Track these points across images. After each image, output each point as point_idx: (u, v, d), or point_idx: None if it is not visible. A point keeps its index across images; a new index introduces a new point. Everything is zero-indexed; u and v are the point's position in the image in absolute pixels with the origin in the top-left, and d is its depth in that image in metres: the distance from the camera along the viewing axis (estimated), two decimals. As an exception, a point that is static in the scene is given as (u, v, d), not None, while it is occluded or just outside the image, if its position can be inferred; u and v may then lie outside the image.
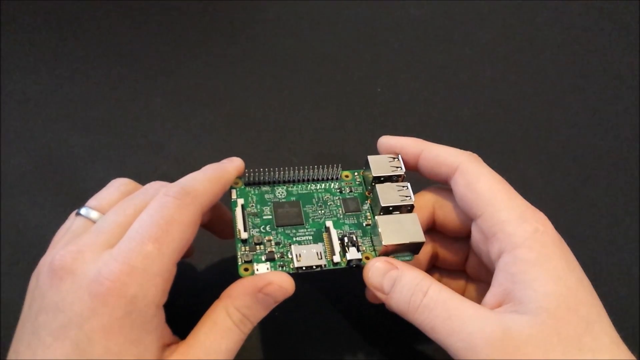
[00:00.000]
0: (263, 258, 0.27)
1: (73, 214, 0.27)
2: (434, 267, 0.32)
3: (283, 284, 0.25)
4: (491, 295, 0.25)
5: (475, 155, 0.29)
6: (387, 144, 0.30)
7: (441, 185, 0.30)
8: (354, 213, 0.29)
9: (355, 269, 0.27)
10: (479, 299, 0.26)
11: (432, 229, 0.31)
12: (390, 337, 0.33)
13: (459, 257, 0.31)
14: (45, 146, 0.40)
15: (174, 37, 0.48)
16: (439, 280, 0.32)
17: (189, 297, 0.33)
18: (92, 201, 0.27)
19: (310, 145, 0.42)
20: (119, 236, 0.23)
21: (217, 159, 0.30)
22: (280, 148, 0.41)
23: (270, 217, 0.29)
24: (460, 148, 0.29)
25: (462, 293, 0.31)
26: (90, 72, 0.45)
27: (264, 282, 0.25)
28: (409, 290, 0.25)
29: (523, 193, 0.27)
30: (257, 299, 0.25)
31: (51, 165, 0.39)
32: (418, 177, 0.30)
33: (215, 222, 0.30)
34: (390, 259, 0.27)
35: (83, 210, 0.26)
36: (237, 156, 0.30)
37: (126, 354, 0.22)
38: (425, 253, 0.31)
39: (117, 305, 0.21)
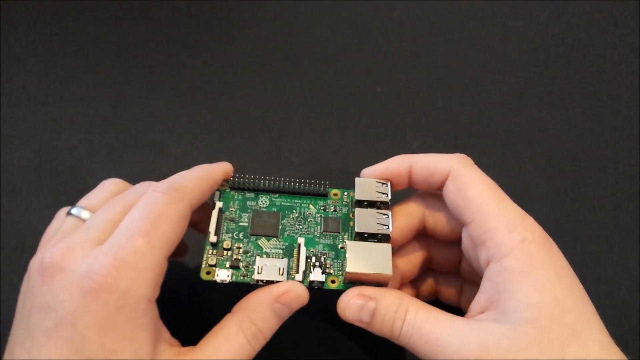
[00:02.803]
0: (227, 264, 0.27)
1: (62, 213, 0.27)
2: (428, 270, 0.32)
3: (300, 293, 0.26)
4: (477, 303, 0.25)
5: (464, 156, 0.28)
6: (373, 175, 0.29)
7: (432, 191, 0.30)
8: (331, 233, 0.29)
9: (318, 291, 0.27)
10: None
11: (424, 233, 0.30)
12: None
13: (452, 260, 0.30)
14: (45, 146, 0.40)
15: (174, 37, 0.48)
16: (435, 284, 0.32)
17: (183, 296, 0.33)
18: (83, 201, 0.27)
19: (309, 145, 0.42)
20: (108, 233, 0.24)
21: (216, 159, 0.30)
22: (280, 148, 0.41)
23: (246, 224, 0.28)
24: (460, 148, 0.29)
25: (459, 295, 0.31)
26: (90, 72, 0.45)
27: (282, 290, 0.26)
28: (389, 319, 0.25)
29: (523, 193, 0.27)
30: (274, 309, 0.25)
31: (51, 165, 0.39)
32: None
33: (206, 222, 0.30)
34: (362, 290, 0.26)
35: (74, 210, 0.26)
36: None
37: (121, 351, 0.22)
38: (417, 258, 0.30)
39: (109, 300, 0.21)
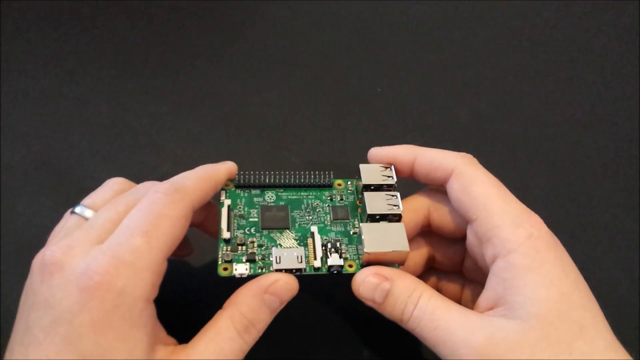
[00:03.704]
0: (244, 259, 0.27)
1: (68, 212, 0.27)
2: (431, 269, 0.32)
3: (289, 282, 0.26)
4: (484, 299, 0.25)
5: (470, 156, 0.28)
6: (379, 156, 0.30)
7: (436, 187, 0.30)
8: (342, 221, 0.29)
9: (336, 276, 0.27)
10: (475, 300, 0.26)
11: (428, 231, 0.30)
12: (390, 335, 0.33)
13: (455, 259, 0.30)
14: (45, 146, 0.40)
15: (174, 37, 0.48)
16: (437, 283, 0.32)
17: (185, 296, 0.33)
18: (87, 200, 0.27)
19: (310, 145, 0.42)
20: (109, 232, 0.24)
21: (216, 159, 0.30)
22: (280, 148, 0.41)
23: (256, 219, 0.29)
24: (460, 148, 0.29)
25: (459, 295, 0.31)
26: (90, 72, 0.45)
27: (270, 281, 0.25)
28: (402, 302, 0.25)
29: (523, 193, 0.27)
30: (264, 300, 0.25)
31: (51, 165, 0.39)
32: (413, 180, 0.30)
33: (210, 222, 0.30)
34: (379, 270, 0.26)
35: (78, 209, 0.27)
36: (237, 156, 0.30)
37: (116, 349, 0.22)
38: (421, 256, 0.30)
39: (105, 298, 0.21)
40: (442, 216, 0.29)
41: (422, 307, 0.25)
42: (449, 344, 0.24)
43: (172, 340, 0.25)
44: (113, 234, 0.23)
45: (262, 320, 0.25)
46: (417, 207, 0.29)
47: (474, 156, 0.29)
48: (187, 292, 0.34)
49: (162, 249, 0.23)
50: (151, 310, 0.23)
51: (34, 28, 0.47)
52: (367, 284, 0.26)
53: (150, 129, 0.42)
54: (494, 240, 0.25)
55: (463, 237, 0.28)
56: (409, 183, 0.30)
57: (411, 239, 0.30)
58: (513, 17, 0.52)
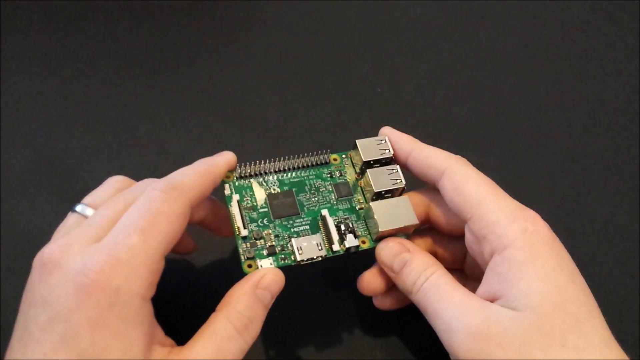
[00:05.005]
0: (265, 253, 0.27)
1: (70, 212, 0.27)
2: None
3: (276, 274, 0.26)
4: (480, 294, 0.25)
5: (463, 159, 0.29)
6: (391, 133, 0.31)
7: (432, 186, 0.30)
8: (346, 197, 0.30)
9: (354, 255, 0.28)
10: None
11: (430, 228, 0.31)
12: (389, 333, 0.33)
13: (457, 256, 0.31)
14: (45, 146, 0.40)
15: (174, 37, 0.48)
16: None
17: (188, 295, 0.33)
18: (88, 198, 0.27)
19: (310, 146, 0.42)
20: (107, 230, 0.24)
21: (216, 158, 0.30)
22: (280, 148, 0.41)
23: (266, 209, 0.29)
24: (460, 148, 0.29)
25: None
26: (90, 72, 0.45)
27: (259, 276, 0.26)
28: (416, 274, 0.26)
29: (523, 193, 0.27)
30: (257, 296, 0.25)
31: (51, 165, 0.39)
32: (414, 178, 0.30)
33: (212, 218, 0.30)
34: (403, 241, 0.28)
35: (78, 207, 0.27)
36: (237, 155, 0.30)
37: (111, 348, 0.21)
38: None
39: (101, 296, 0.21)
40: (441, 214, 0.29)
41: (432, 281, 0.26)
42: (445, 318, 0.24)
43: (170, 341, 0.25)
44: (110, 232, 0.23)
45: (259, 315, 0.26)
46: (416, 203, 0.30)
47: (474, 156, 0.29)
48: (188, 293, 0.34)
49: (158, 247, 0.23)
50: (148, 309, 0.23)
51: (34, 28, 0.47)
52: (390, 249, 0.28)
53: (150, 129, 0.42)
54: (490, 237, 0.25)
55: (463, 235, 0.28)
56: (409, 181, 0.31)
57: (412, 236, 0.31)
58: (513, 17, 0.52)
